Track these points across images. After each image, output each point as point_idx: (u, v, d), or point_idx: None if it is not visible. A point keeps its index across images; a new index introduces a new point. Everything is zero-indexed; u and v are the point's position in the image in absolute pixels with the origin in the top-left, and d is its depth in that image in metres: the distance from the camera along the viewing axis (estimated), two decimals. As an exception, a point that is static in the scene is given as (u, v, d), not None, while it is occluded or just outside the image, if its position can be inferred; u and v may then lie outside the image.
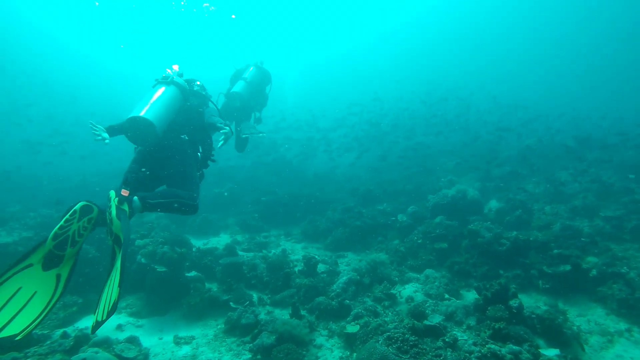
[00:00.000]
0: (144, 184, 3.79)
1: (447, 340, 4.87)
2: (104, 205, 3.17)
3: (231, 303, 6.17)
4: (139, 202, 3.28)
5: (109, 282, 2.83)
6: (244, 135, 6.80)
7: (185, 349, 5.26)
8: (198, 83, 4.78)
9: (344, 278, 6.78)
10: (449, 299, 6.37)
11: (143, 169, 3.85)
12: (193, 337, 5.55)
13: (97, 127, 3.74)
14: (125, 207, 3.10)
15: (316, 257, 7.96)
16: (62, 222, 2.85)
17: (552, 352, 4.28)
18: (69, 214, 2.89)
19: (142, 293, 6.70)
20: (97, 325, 2.53)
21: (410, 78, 34.20)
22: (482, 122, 18.23)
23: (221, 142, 4.27)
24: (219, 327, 5.85)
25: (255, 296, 6.69)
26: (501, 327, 4.83)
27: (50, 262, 2.85)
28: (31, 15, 33.03)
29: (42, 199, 13.00)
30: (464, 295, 6.73)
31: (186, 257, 7.05)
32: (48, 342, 5.16)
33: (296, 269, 7.57)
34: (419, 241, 8.64)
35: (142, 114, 3.71)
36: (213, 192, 12.97)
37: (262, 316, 5.93)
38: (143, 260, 6.68)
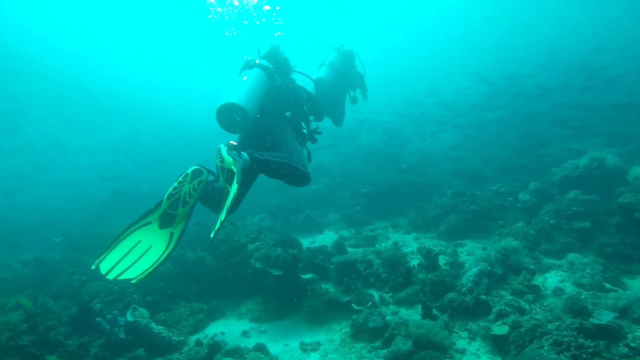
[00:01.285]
0: None
1: (632, 345, 3.92)
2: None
3: (353, 304, 5.76)
4: (247, 155, 3.18)
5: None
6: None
7: (314, 357, 4.96)
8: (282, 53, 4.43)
9: (474, 270, 5.99)
10: (614, 290, 5.26)
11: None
12: (319, 343, 5.24)
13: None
14: (235, 153, 3.07)
15: (433, 248, 7.25)
16: (175, 184, 3.15)
17: None
18: (181, 176, 3.17)
19: (260, 297, 6.63)
20: (216, 231, 2.77)
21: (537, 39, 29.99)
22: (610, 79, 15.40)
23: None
24: (343, 331, 5.48)
25: (376, 295, 6.19)
26: None
27: (165, 221, 3.17)
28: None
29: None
30: (628, 284, 5.55)
31: (299, 258, 6.82)
32: (185, 349, 5.32)
33: (413, 263, 6.94)
34: (552, 221, 7.47)
35: (229, 100, 3.57)
36: (311, 189, 12.80)
37: (389, 317, 5.43)
38: (258, 265, 6.58)
